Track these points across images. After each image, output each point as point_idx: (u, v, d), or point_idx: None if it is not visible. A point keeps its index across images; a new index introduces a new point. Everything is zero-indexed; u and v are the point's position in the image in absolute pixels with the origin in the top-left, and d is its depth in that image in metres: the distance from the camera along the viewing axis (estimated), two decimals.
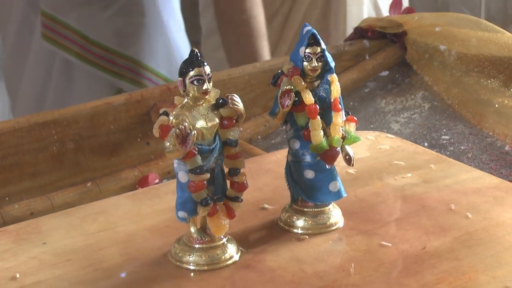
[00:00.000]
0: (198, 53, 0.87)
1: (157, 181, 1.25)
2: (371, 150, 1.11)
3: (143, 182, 1.24)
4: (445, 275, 0.87)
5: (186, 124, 0.85)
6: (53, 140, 1.25)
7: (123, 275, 0.87)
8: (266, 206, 1.00)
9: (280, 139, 1.38)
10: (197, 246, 0.89)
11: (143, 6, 2.10)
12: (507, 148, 1.29)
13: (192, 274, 0.88)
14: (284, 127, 0.97)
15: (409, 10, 1.57)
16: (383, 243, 0.93)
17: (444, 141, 1.31)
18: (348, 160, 0.96)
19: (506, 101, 1.33)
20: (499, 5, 2.80)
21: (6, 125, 1.23)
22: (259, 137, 1.36)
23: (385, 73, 1.49)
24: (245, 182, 0.90)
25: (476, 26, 1.47)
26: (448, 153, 1.26)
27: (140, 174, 1.26)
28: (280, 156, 1.08)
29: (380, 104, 1.43)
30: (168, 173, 1.28)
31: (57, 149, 1.25)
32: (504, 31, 1.50)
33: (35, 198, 1.20)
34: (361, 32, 1.53)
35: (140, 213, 0.99)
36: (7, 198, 1.19)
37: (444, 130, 1.33)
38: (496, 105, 1.33)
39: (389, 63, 1.50)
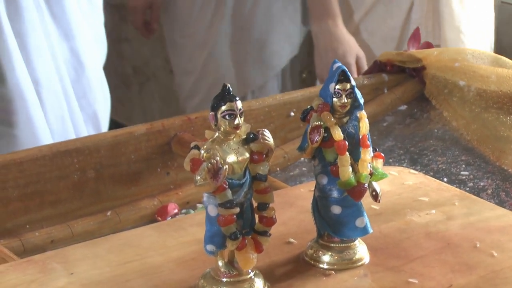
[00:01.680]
0: (230, 88, 0.87)
1: (176, 210, 1.25)
2: (394, 186, 1.11)
3: (162, 211, 1.24)
4: None
5: (218, 158, 0.85)
6: (75, 169, 1.25)
7: None
8: (292, 240, 1.00)
9: (298, 171, 1.38)
10: (224, 280, 0.89)
11: None
12: None
13: None
14: (312, 162, 0.97)
15: (427, 45, 1.57)
16: (410, 280, 0.93)
17: (464, 177, 1.31)
18: (375, 197, 0.96)
19: None
20: (511, 38, 2.80)
21: (28, 153, 1.24)
22: (278, 169, 1.36)
23: (403, 107, 1.49)
24: (274, 217, 0.90)
25: (495, 62, 1.47)
26: (467, 189, 1.25)
27: (159, 203, 1.26)
28: (304, 190, 1.08)
29: (398, 139, 1.43)
30: (187, 203, 1.28)
31: (78, 177, 1.25)
32: None
33: (55, 226, 1.20)
34: (380, 65, 1.53)
35: (166, 245, 0.99)
36: (27, 226, 1.19)
37: (464, 166, 1.33)
38: None
39: (407, 97, 1.50)
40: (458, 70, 1.45)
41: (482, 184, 1.29)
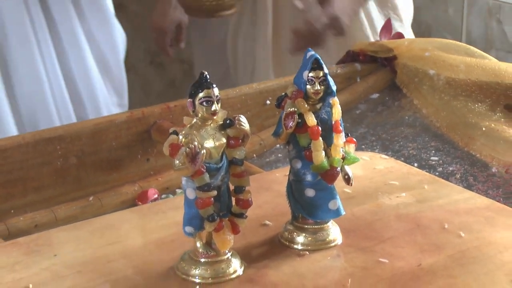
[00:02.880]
0: (207, 75, 0.88)
1: (156, 196, 1.25)
2: (366, 170, 1.12)
3: (142, 197, 1.25)
4: None
5: (196, 143, 0.86)
6: (57, 156, 1.25)
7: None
8: (267, 222, 1.00)
9: (274, 157, 1.38)
10: (202, 260, 0.90)
11: None
12: (494, 170, 1.30)
13: (197, 287, 0.89)
14: (286, 147, 0.98)
15: (399, 35, 1.58)
16: (380, 259, 0.94)
17: (433, 162, 1.32)
18: (347, 180, 0.97)
19: (493, 125, 1.34)
20: (480, 30, 2.81)
21: (11, 141, 1.24)
22: (254, 155, 1.36)
23: (375, 96, 1.49)
24: (250, 199, 0.91)
25: (464, 52, 1.48)
26: (437, 173, 1.26)
27: (140, 189, 1.26)
28: (279, 175, 1.09)
29: (370, 125, 1.44)
30: (167, 188, 1.28)
31: (60, 164, 1.26)
32: (491, 57, 1.51)
33: (39, 211, 1.20)
34: (353, 55, 1.54)
35: (146, 228, 1.00)
36: (12, 211, 1.19)
37: (433, 151, 1.34)
38: (483, 129, 1.34)
39: (379, 86, 1.51)
40: (428, 60, 1.45)
41: (451, 169, 1.30)
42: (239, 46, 2.52)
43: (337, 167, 0.95)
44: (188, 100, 0.88)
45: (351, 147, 0.97)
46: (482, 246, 0.97)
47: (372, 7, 2.32)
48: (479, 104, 1.38)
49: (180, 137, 0.87)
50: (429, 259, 0.94)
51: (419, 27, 2.65)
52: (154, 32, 2.72)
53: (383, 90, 1.50)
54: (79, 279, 0.89)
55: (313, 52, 0.96)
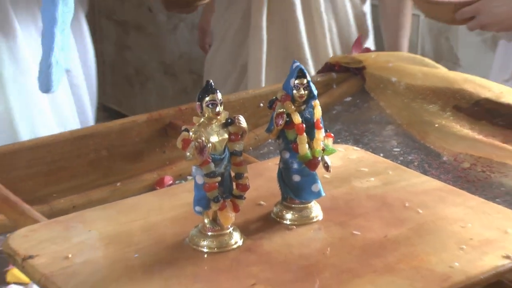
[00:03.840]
0: (212, 83, 0.88)
1: (171, 182, 1.25)
2: (341, 159, 1.11)
3: (160, 182, 1.24)
4: (403, 257, 0.88)
5: (203, 138, 0.86)
6: (91, 150, 1.25)
7: (136, 255, 0.88)
8: (262, 202, 1.00)
9: (267, 150, 1.38)
10: (209, 233, 0.90)
11: None
12: (444, 158, 1.30)
13: (205, 255, 0.89)
14: (277, 141, 0.98)
15: (367, 50, 1.58)
16: (354, 232, 0.94)
17: (396, 153, 1.32)
18: (326, 168, 0.97)
19: (443, 122, 1.35)
20: (432, 45, 2.82)
21: (55, 138, 1.24)
22: (250, 148, 1.35)
23: (348, 99, 1.49)
24: (247, 184, 0.91)
25: (420, 63, 1.48)
26: (399, 161, 1.26)
27: (157, 176, 1.26)
28: (271, 164, 1.09)
29: (345, 123, 1.44)
30: (180, 175, 1.28)
31: (93, 156, 1.26)
32: (441, 66, 1.51)
33: (76, 195, 1.20)
34: (330, 66, 1.54)
35: (163, 208, 0.99)
36: (54, 195, 1.19)
37: (396, 144, 1.34)
38: (436, 125, 1.34)
39: (351, 91, 1.50)
40: (391, 69, 1.45)
41: (410, 158, 1.31)
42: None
43: (318, 157, 0.95)
44: (197, 103, 0.88)
45: (330, 141, 0.97)
46: (436, 220, 0.97)
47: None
48: (433, 105, 1.38)
49: (190, 133, 0.87)
50: (393, 231, 0.94)
51: (383, 44, 2.65)
52: (199, 33, 2.73)
53: (355, 94, 1.50)
54: (109, 249, 0.89)
55: (298, 63, 0.95)
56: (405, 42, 2.38)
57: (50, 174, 1.22)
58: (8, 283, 0.99)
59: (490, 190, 1.19)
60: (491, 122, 1.34)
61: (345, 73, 1.52)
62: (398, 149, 1.34)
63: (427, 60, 1.50)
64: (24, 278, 0.96)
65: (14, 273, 0.98)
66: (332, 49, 2.32)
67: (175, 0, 1.97)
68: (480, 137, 1.31)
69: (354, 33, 2.37)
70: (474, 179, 1.24)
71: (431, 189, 1.06)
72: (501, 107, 1.35)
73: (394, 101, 1.43)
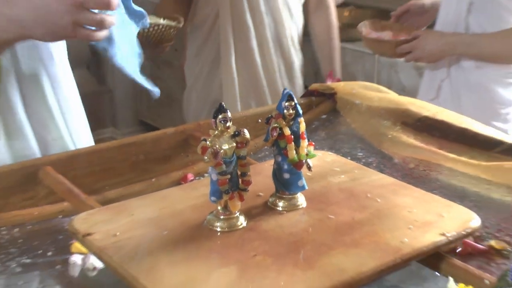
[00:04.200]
0: (223, 105, 0.88)
1: (192, 178, 1.24)
2: (319, 161, 1.09)
3: (184, 178, 1.23)
4: (365, 234, 0.88)
5: (217, 146, 0.86)
6: (132, 154, 1.25)
7: (164, 232, 0.88)
8: (260, 194, 0.99)
9: (263, 154, 1.36)
10: (221, 217, 0.90)
11: None
12: (395, 161, 1.30)
13: (218, 233, 0.88)
14: (272, 148, 0.97)
15: (338, 80, 1.58)
16: (329, 216, 0.93)
17: (359, 156, 1.31)
18: (309, 168, 0.96)
19: (394, 134, 1.34)
20: (385, 76, 2.82)
21: (104, 146, 1.25)
22: (252, 153, 1.34)
23: (324, 116, 1.48)
24: (250, 180, 0.91)
25: (376, 89, 1.48)
26: (362, 163, 1.25)
27: (182, 174, 1.25)
28: (267, 165, 1.07)
29: (321, 134, 1.43)
30: (199, 173, 1.26)
31: (134, 159, 1.25)
32: (392, 91, 1.50)
33: (122, 188, 1.19)
34: (310, 92, 1.53)
35: (186, 198, 0.98)
36: (106, 188, 1.19)
37: (359, 150, 1.34)
38: (389, 136, 1.34)
39: (326, 110, 1.50)
40: (355, 94, 1.45)
41: (370, 160, 1.30)
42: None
43: (303, 160, 0.95)
44: (212, 119, 0.88)
45: (311, 148, 0.97)
46: (390, 207, 0.97)
47: None
48: (386, 121, 1.38)
49: (207, 142, 0.86)
50: (358, 215, 0.94)
51: (348, 75, 2.66)
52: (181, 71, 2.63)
53: (328, 113, 1.50)
54: (146, 229, 0.89)
55: (288, 90, 0.95)
56: (338, 65, 2.36)
57: (102, 172, 1.21)
58: (72, 253, 0.98)
59: (429, 184, 1.18)
60: (430, 134, 1.33)
61: (321, 97, 1.52)
62: (361, 154, 1.33)
63: (381, 87, 1.49)
64: (84, 249, 0.95)
65: (77, 245, 0.97)
66: (281, 82, 2.33)
67: (145, 42, 1.94)
68: (422, 145, 1.31)
69: (297, 70, 2.38)
70: (417, 176, 1.23)
71: (386, 184, 1.05)
72: (437, 123, 1.34)
73: (358, 118, 1.43)
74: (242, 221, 0.91)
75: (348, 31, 2.91)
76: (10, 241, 1.03)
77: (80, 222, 0.91)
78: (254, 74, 2.31)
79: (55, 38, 1.10)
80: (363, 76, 2.87)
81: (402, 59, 2.18)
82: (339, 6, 3.22)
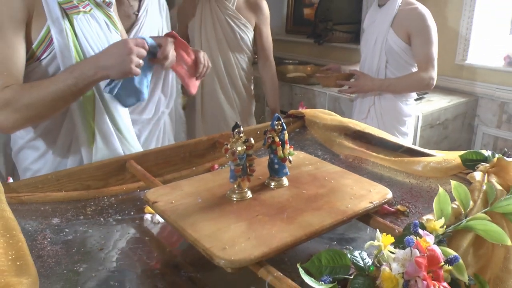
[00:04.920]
0: (238, 122, 0.84)
1: (217, 167, 1.21)
2: (295, 157, 1.06)
3: (212, 168, 1.20)
4: (324, 203, 0.85)
5: (234, 148, 0.82)
6: (180, 153, 1.21)
7: (199, 200, 0.85)
8: (260, 177, 0.96)
9: (262, 152, 1.32)
10: (236, 191, 0.86)
11: None
12: (341, 157, 1.26)
13: (234, 201, 0.85)
14: (267, 149, 0.94)
15: (305, 108, 1.52)
16: (303, 191, 0.90)
17: (319, 154, 1.27)
18: (290, 161, 0.93)
19: (340, 140, 1.30)
20: (332, 105, 2.76)
21: (165, 147, 1.20)
22: (254, 152, 1.30)
23: (297, 130, 1.44)
24: (254, 169, 0.88)
25: (329, 114, 1.42)
26: (321, 158, 1.20)
27: (211, 165, 1.22)
28: (264, 159, 1.03)
29: (296, 141, 1.39)
30: (221, 164, 1.23)
31: (182, 156, 1.21)
32: (337, 115, 1.44)
33: (175, 173, 1.16)
34: (289, 115, 1.47)
35: (215, 179, 0.95)
36: (165, 173, 1.15)
37: (320, 152, 1.29)
38: (337, 142, 1.30)
39: (299, 126, 1.45)
40: (316, 116, 1.40)
41: (325, 156, 1.26)
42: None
43: (286, 157, 0.92)
44: (231, 131, 0.84)
45: (291, 149, 0.94)
46: (339, 186, 0.94)
47: None
48: (335, 133, 1.34)
49: (228, 145, 0.83)
50: (320, 190, 0.91)
51: (310, 105, 2.61)
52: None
53: (300, 128, 1.45)
54: (189, 199, 0.86)
55: (277, 115, 0.92)
56: (277, 100, 2.17)
57: (163, 163, 1.17)
58: (145, 213, 0.95)
59: (361, 171, 1.14)
60: (361, 141, 1.30)
61: (295, 118, 1.48)
62: (320, 153, 1.29)
63: (332, 112, 1.44)
64: (152, 211, 0.93)
65: (148, 208, 0.95)
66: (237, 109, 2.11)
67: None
68: (356, 147, 1.26)
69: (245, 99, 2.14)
70: (354, 166, 1.20)
71: (336, 171, 1.02)
72: (365, 134, 1.30)
73: (318, 131, 1.39)
74: (249, 194, 0.88)
75: (309, 79, 2.90)
76: (109, 205, 1.01)
77: (151, 194, 0.88)
78: (220, 111, 2.07)
79: (124, 74, 1.01)
80: (319, 105, 2.83)
81: (343, 96, 2.14)
82: (304, 64, 3.23)
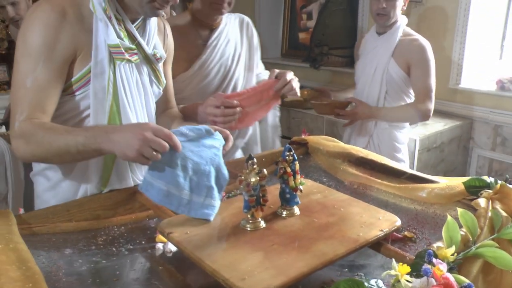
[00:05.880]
0: (252, 155, 0.87)
1: (224, 195, 1.18)
2: (305, 187, 1.05)
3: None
4: (336, 231, 0.88)
5: (248, 179, 0.85)
6: None
7: (216, 231, 0.87)
8: (271, 206, 0.97)
9: (273, 182, 1.30)
10: (250, 221, 0.88)
11: None
12: (346, 183, 1.27)
13: (248, 231, 0.87)
14: (279, 179, 0.96)
15: (309, 134, 1.54)
16: (314, 219, 0.92)
17: (324, 181, 1.29)
18: (300, 191, 0.95)
19: (344, 167, 1.32)
20: (330, 130, 2.80)
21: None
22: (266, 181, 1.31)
23: (301, 156, 1.45)
24: (267, 199, 0.90)
25: (331, 140, 1.45)
26: (326, 185, 1.21)
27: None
28: (274, 188, 1.04)
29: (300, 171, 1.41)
30: (228, 192, 1.20)
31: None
32: (340, 141, 1.47)
33: None
34: (292, 142, 1.47)
35: (227, 209, 0.96)
36: None
37: (325, 179, 1.30)
38: (341, 168, 1.32)
39: (302, 153, 1.46)
40: (319, 143, 1.42)
41: (330, 183, 1.27)
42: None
43: (297, 186, 0.95)
44: (245, 163, 0.87)
45: (302, 179, 0.97)
46: (348, 213, 0.96)
47: None
48: (338, 159, 1.36)
49: (242, 177, 0.86)
50: (330, 219, 0.93)
51: (310, 131, 2.64)
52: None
53: (304, 154, 1.46)
54: (204, 229, 0.88)
55: (288, 145, 0.95)
56: None
57: None
58: (156, 242, 0.96)
59: (366, 198, 1.16)
60: (364, 167, 1.31)
61: (299, 145, 1.49)
62: (325, 180, 1.31)
63: (334, 139, 1.46)
64: (164, 240, 0.94)
65: (160, 237, 0.95)
66: None
67: None
68: (360, 174, 1.28)
69: None
70: (359, 193, 1.21)
71: (344, 199, 1.04)
72: (368, 160, 1.33)
73: (321, 158, 1.41)
74: (262, 224, 0.90)
75: (306, 103, 2.93)
76: (119, 235, 1.01)
77: (165, 225, 0.90)
78: None
79: (126, 158, 0.91)
80: (317, 129, 2.86)
81: (341, 121, 2.16)
82: (301, 88, 3.27)
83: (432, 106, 1.89)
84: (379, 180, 1.23)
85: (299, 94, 1.35)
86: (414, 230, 1.01)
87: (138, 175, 1.19)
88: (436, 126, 2.51)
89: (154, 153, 0.86)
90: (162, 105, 1.24)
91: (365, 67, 2.01)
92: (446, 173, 2.54)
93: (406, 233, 0.98)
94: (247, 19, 1.57)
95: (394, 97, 1.95)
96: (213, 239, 0.83)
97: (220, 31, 1.48)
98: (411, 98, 1.96)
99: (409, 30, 1.94)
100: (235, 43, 1.52)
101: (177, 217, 0.94)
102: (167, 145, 0.86)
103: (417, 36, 1.91)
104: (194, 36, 1.44)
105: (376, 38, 1.98)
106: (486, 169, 2.68)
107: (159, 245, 0.96)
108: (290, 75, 1.28)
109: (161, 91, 1.19)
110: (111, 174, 1.12)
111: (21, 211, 1.03)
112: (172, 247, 0.93)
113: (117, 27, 1.00)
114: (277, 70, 1.31)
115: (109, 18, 0.98)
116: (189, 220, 0.91)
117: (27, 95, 0.95)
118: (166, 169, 0.88)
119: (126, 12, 1.03)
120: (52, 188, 1.14)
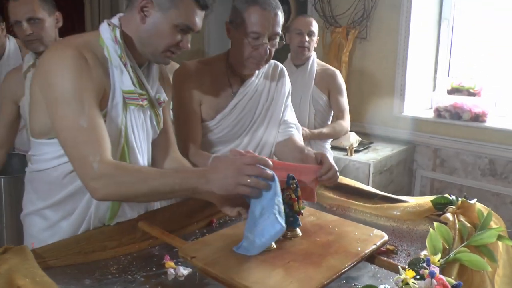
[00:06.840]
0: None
1: (215, 221, 1.25)
2: (306, 210, 1.14)
3: (212, 222, 1.24)
4: (337, 247, 0.98)
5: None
6: (184, 210, 1.25)
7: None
8: None
9: None
10: None
11: None
12: (326, 206, 1.33)
13: (264, 251, 0.94)
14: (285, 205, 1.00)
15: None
16: (316, 239, 1.02)
17: (307, 204, 1.29)
18: (301, 214, 1.05)
19: (322, 192, 1.34)
20: None
21: (169, 206, 1.25)
22: None
23: None
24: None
25: None
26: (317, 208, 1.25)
27: (210, 219, 1.26)
28: None
29: None
30: (219, 219, 1.26)
31: (185, 213, 1.25)
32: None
33: (191, 226, 1.20)
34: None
35: (236, 235, 1.01)
36: (177, 231, 1.17)
37: (306, 203, 1.20)
38: (319, 193, 1.33)
39: None
40: None
41: (315, 207, 1.27)
42: None
43: (300, 210, 1.04)
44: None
45: (304, 204, 1.06)
46: (343, 232, 1.06)
47: None
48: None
49: None
50: (330, 237, 1.03)
51: None
52: None
53: None
54: (223, 252, 0.95)
55: (291, 174, 1.03)
56: None
57: (168, 221, 1.21)
58: (167, 268, 1.01)
59: (347, 218, 1.19)
60: (340, 191, 1.39)
61: None
62: (306, 203, 1.27)
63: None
64: (173, 265, 0.98)
65: (169, 263, 1.00)
66: None
67: None
68: (336, 197, 1.37)
69: None
70: (339, 214, 1.27)
71: (334, 219, 1.13)
72: (343, 185, 1.39)
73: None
74: (273, 245, 0.98)
75: None
76: (129, 263, 1.05)
77: (185, 250, 0.97)
78: None
79: (226, 191, 0.92)
80: None
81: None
82: None
83: (349, 121, 2.24)
84: (356, 202, 1.33)
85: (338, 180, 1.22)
86: (394, 244, 1.13)
87: (138, 208, 1.23)
88: (385, 151, 2.77)
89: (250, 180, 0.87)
90: (164, 142, 1.22)
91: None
92: (395, 193, 2.70)
93: (388, 246, 1.10)
94: (280, 66, 1.47)
95: (321, 117, 2.24)
96: (234, 261, 0.91)
97: (252, 82, 1.39)
98: (329, 116, 2.27)
99: (320, 61, 2.26)
100: (264, 93, 1.41)
101: (194, 243, 1.01)
102: (268, 172, 0.88)
103: (328, 66, 2.25)
104: (224, 85, 1.36)
105: (293, 70, 2.18)
106: (428, 188, 2.97)
107: (171, 270, 1.01)
108: (333, 162, 1.18)
109: (157, 134, 1.19)
110: (118, 210, 1.15)
111: (34, 245, 1.05)
112: (183, 271, 0.99)
113: (131, 73, 1.02)
114: (319, 153, 1.20)
115: (125, 65, 1.00)
116: (206, 245, 0.98)
117: (89, 135, 0.94)
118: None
119: (135, 57, 1.05)
120: (49, 227, 1.12)
